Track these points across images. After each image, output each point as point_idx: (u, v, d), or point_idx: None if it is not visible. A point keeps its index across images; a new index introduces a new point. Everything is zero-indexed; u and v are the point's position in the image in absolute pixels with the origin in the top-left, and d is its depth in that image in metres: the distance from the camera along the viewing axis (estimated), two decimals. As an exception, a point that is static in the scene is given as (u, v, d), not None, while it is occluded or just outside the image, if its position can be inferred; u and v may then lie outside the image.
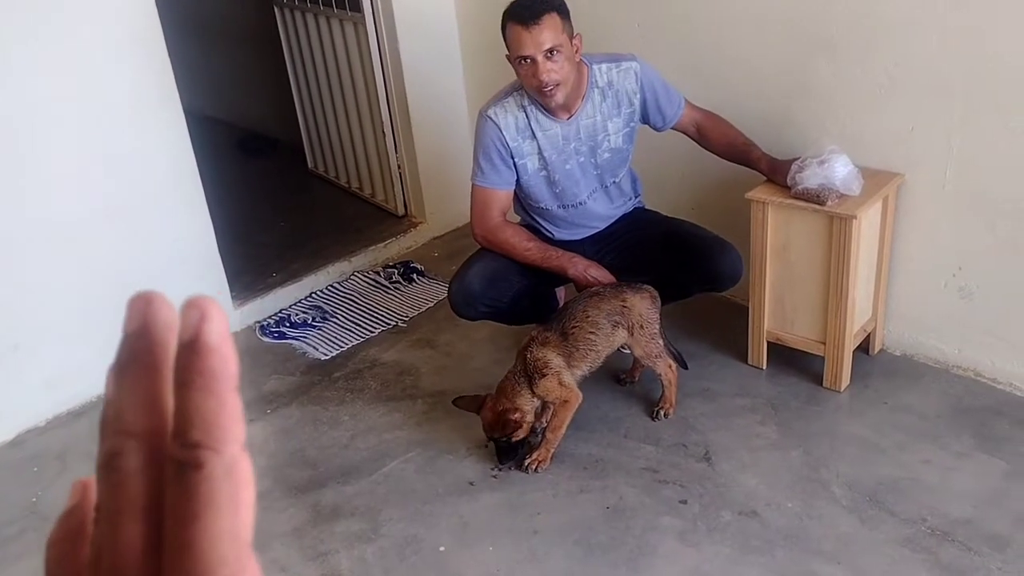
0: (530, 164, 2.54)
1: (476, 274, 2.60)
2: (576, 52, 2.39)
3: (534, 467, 2.42)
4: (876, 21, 2.49)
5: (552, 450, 2.44)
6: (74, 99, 2.74)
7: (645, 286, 2.53)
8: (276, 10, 4.31)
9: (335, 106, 4.17)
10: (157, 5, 2.87)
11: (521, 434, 2.40)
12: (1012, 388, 2.57)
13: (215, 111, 5.48)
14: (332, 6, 3.82)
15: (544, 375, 2.37)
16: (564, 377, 2.40)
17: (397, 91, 3.69)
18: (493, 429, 2.40)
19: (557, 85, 2.37)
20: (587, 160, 2.56)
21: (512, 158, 2.52)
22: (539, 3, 2.32)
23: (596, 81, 2.49)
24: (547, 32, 2.30)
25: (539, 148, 2.51)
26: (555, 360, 2.39)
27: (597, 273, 2.56)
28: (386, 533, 2.28)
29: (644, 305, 2.50)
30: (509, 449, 2.43)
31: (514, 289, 2.61)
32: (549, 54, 2.32)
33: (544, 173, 2.56)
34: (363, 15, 3.60)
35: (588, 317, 2.44)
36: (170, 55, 2.93)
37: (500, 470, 2.45)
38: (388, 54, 3.64)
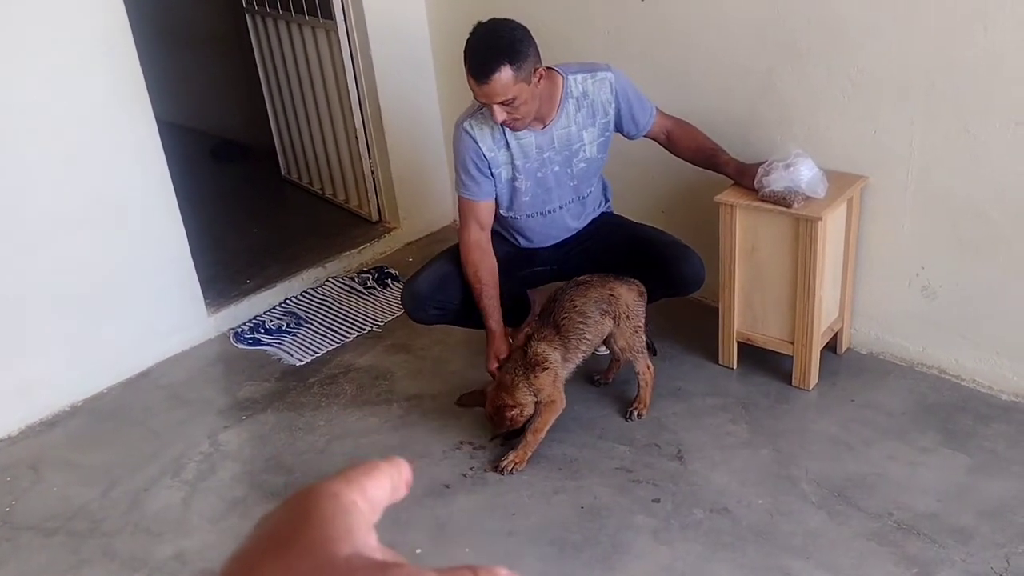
0: (504, 173, 2.56)
1: (426, 278, 2.64)
2: (539, 82, 2.38)
3: (510, 468, 2.44)
4: (839, 28, 2.55)
5: (530, 453, 2.46)
6: (46, 107, 2.73)
7: (634, 280, 2.57)
8: (248, 17, 4.31)
9: (308, 113, 4.18)
10: (128, 14, 2.87)
11: (521, 422, 2.45)
12: (975, 384, 2.64)
13: (188, 119, 5.46)
14: (304, 13, 3.83)
15: (545, 368, 2.41)
16: (559, 377, 2.45)
17: (370, 97, 3.71)
18: (493, 422, 2.46)
19: (516, 121, 2.41)
20: (562, 170, 2.59)
21: (489, 168, 2.54)
22: (490, 58, 2.30)
23: (571, 91, 2.51)
24: (498, 87, 2.31)
25: (511, 157, 2.53)
26: (553, 356, 2.44)
27: (492, 366, 2.57)
28: (363, 537, 2.29)
29: (631, 296, 2.55)
30: (509, 435, 2.49)
31: (464, 290, 2.62)
32: (504, 102, 2.35)
33: (518, 183, 2.58)
34: (335, 22, 3.62)
35: (576, 307, 2.48)
36: (142, 63, 2.93)
37: (496, 468, 2.49)
38: (360, 61, 3.65)
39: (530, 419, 2.47)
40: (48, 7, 2.66)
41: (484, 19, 2.40)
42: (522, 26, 2.38)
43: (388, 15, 3.60)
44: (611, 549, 2.18)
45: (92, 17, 2.77)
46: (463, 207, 2.61)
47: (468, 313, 2.67)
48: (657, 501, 2.32)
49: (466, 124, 2.52)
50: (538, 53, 2.39)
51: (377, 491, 0.49)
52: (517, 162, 2.53)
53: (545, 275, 2.83)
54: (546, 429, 2.46)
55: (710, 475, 2.40)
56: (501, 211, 2.65)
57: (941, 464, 2.36)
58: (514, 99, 2.33)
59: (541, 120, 2.50)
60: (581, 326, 2.48)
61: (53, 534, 2.42)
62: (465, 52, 2.35)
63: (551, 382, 2.43)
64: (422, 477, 2.49)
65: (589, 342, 2.52)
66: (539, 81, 2.38)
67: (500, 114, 2.37)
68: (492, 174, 2.55)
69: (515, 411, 2.41)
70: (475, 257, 2.58)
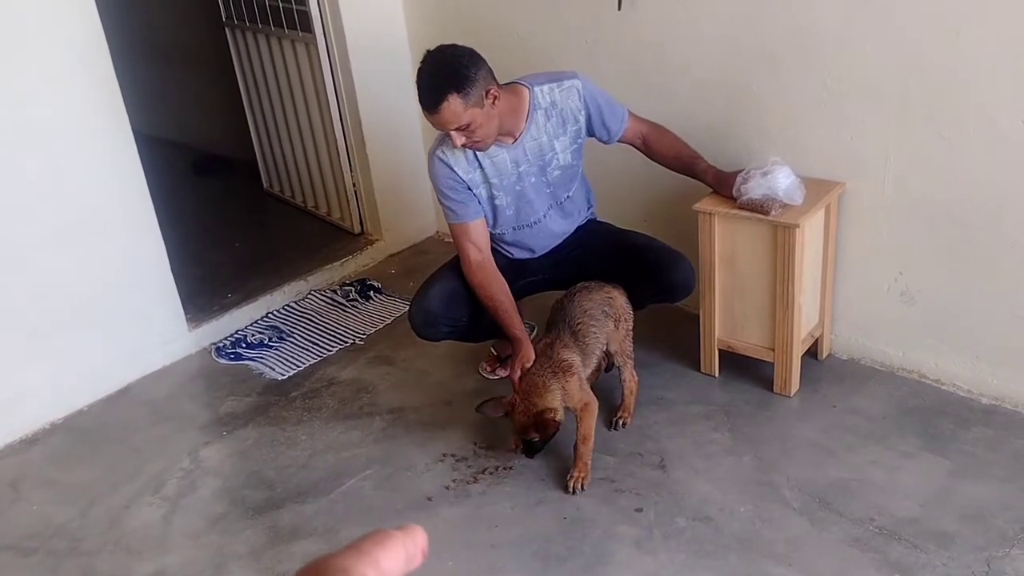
0: (483, 193, 2.56)
1: (435, 295, 2.63)
2: (493, 103, 2.37)
3: (579, 486, 2.39)
4: (814, 36, 2.56)
5: (589, 463, 2.41)
6: (18, 123, 2.71)
7: (618, 285, 2.59)
8: (228, 31, 4.31)
9: (289, 126, 4.18)
10: (110, 29, 2.87)
11: (550, 432, 2.41)
12: (955, 388, 2.65)
13: (170, 133, 5.45)
14: (283, 27, 3.82)
15: (573, 374, 2.40)
16: (584, 381, 2.44)
17: (350, 110, 3.71)
18: (528, 430, 2.40)
19: (476, 143, 2.41)
20: (538, 180, 2.59)
21: (468, 189, 2.54)
22: (436, 88, 2.30)
23: (538, 103, 2.51)
24: (448, 116, 2.32)
25: (486, 177, 2.53)
26: (577, 361, 2.43)
27: (517, 375, 2.50)
28: (345, 551, 2.28)
29: (623, 299, 2.58)
30: (538, 446, 2.45)
31: (472, 306, 2.62)
32: (459, 128, 2.35)
33: (498, 201, 2.58)
34: (314, 35, 3.62)
35: (586, 311, 2.49)
36: (123, 78, 2.92)
37: (476, 480, 2.49)
38: (340, 73, 3.65)
39: (551, 437, 2.44)
40: (20, 22, 2.65)
41: (445, 41, 2.40)
42: (469, 50, 2.37)
43: (367, 28, 3.60)
44: (594, 559, 2.18)
45: (66, 31, 2.76)
46: (455, 233, 2.61)
47: (477, 328, 2.68)
48: (640, 510, 2.32)
49: (439, 152, 2.52)
50: (490, 74, 2.38)
51: (391, 563, 0.46)
52: (492, 180, 2.53)
53: (538, 285, 2.83)
54: (592, 436, 2.41)
55: (693, 483, 2.40)
56: (492, 230, 2.65)
57: (922, 468, 2.37)
58: (468, 124, 2.34)
59: (510, 135, 2.50)
60: (595, 329, 2.49)
61: (32, 553, 2.40)
62: (416, 83, 2.36)
63: (578, 387, 2.41)
64: (404, 490, 2.49)
65: (602, 346, 2.53)
66: (494, 103, 2.37)
67: (459, 139, 2.38)
68: (473, 194, 2.55)
69: (552, 414, 2.36)
70: (479, 280, 2.57)
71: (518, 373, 2.48)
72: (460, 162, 2.50)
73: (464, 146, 2.42)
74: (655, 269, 2.61)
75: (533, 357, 2.47)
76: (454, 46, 2.38)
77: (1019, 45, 2.23)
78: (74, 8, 2.76)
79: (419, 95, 2.35)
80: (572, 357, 2.43)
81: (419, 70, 2.37)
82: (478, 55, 2.38)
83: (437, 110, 2.32)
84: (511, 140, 2.51)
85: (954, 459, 2.39)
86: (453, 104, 2.30)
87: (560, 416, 2.40)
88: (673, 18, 2.86)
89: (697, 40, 2.83)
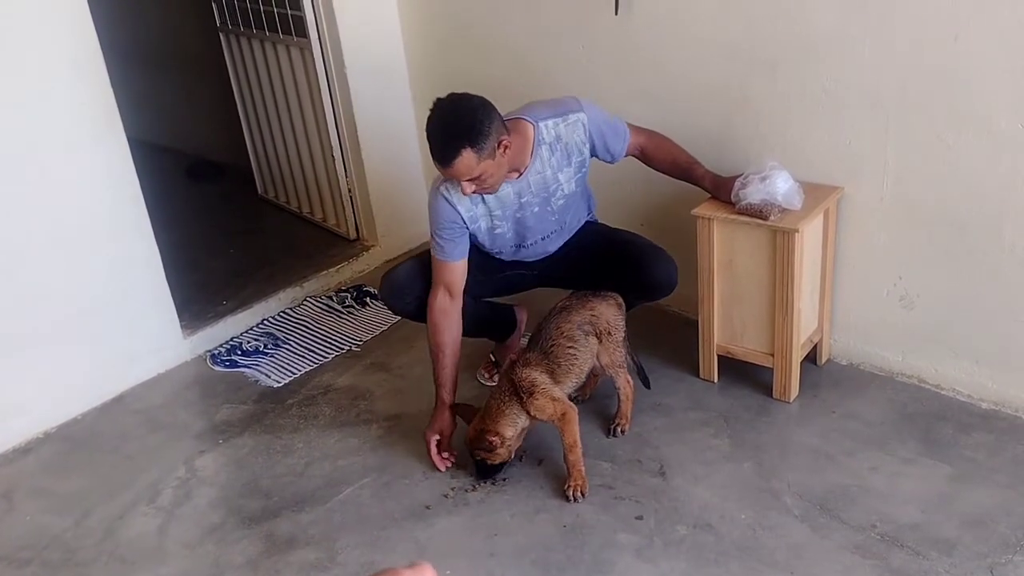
0: (483, 224, 2.54)
1: (404, 268, 2.68)
2: (504, 152, 2.34)
3: (578, 493, 2.38)
4: (812, 40, 2.55)
5: (583, 469, 2.40)
6: (11, 129, 2.68)
7: (611, 293, 2.57)
8: (222, 37, 4.29)
9: (284, 131, 4.16)
10: (104, 34, 2.84)
11: (497, 459, 2.41)
12: (955, 393, 2.64)
13: (164, 138, 5.42)
14: (278, 32, 3.81)
15: (533, 394, 2.37)
16: (555, 393, 2.41)
17: (345, 115, 3.69)
18: (472, 445, 2.42)
19: (486, 190, 2.41)
20: (542, 209, 2.58)
21: (467, 225, 2.52)
22: (450, 143, 2.26)
23: (543, 138, 2.48)
24: (462, 169, 2.29)
25: (489, 210, 2.51)
26: (541, 378, 2.41)
27: (431, 440, 2.55)
28: (342, 561, 2.26)
29: (611, 312, 2.54)
30: (489, 469, 2.45)
31: None
32: (469, 179, 2.33)
33: (498, 230, 2.57)
34: (309, 40, 3.60)
35: (563, 332, 2.47)
36: (117, 83, 2.90)
37: (475, 488, 2.47)
38: (335, 78, 3.64)
39: (504, 463, 2.45)
40: (13, 26, 2.63)
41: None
42: (482, 100, 2.33)
43: (362, 33, 3.59)
44: (594, 568, 2.16)
45: (60, 37, 2.73)
46: (435, 267, 2.58)
47: None
48: (640, 518, 2.30)
49: (443, 189, 2.48)
50: (502, 124, 2.34)
51: None
52: (495, 212, 2.53)
53: (526, 279, 2.81)
54: (578, 443, 2.39)
55: (693, 490, 2.38)
56: (491, 250, 2.64)
57: (923, 474, 2.36)
58: (480, 175, 2.32)
59: (516, 170, 2.48)
60: (571, 350, 2.46)
61: (26, 564, 2.37)
62: (426, 133, 2.32)
63: (549, 402, 2.38)
64: (402, 498, 2.47)
65: (581, 365, 2.49)
66: (504, 151, 2.34)
67: (468, 188, 2.36)
68: (470, 229, 2.53)
69: (496, 438, 2.36)
70: (437, 319, 2.55)
71: (432, 436, 2.54)
72: (463, 200, 2.47)
73: (474, 192, 2.40)
74: (636, 267, 2.60)
75: (449, 426, 2.55)
76: (467, 96, 2.33)
77: (1018, 48, 2.22)
78: (67, 13, 2.74)
79: (431, 149, 2.31)
80: (534, 375, 2.40)
81: (430, 120, 2.32)
82: (490, 105, 2.34)
83: (451, 164, 2.28)
84: (516, 175, 2.49)
85: (955, 464, 2.38)
86: (467, 159, 2.27)
87: (507, 443, 2.39)
88: (670, 22, 2.85)
89: (694, 44, 2.82)
